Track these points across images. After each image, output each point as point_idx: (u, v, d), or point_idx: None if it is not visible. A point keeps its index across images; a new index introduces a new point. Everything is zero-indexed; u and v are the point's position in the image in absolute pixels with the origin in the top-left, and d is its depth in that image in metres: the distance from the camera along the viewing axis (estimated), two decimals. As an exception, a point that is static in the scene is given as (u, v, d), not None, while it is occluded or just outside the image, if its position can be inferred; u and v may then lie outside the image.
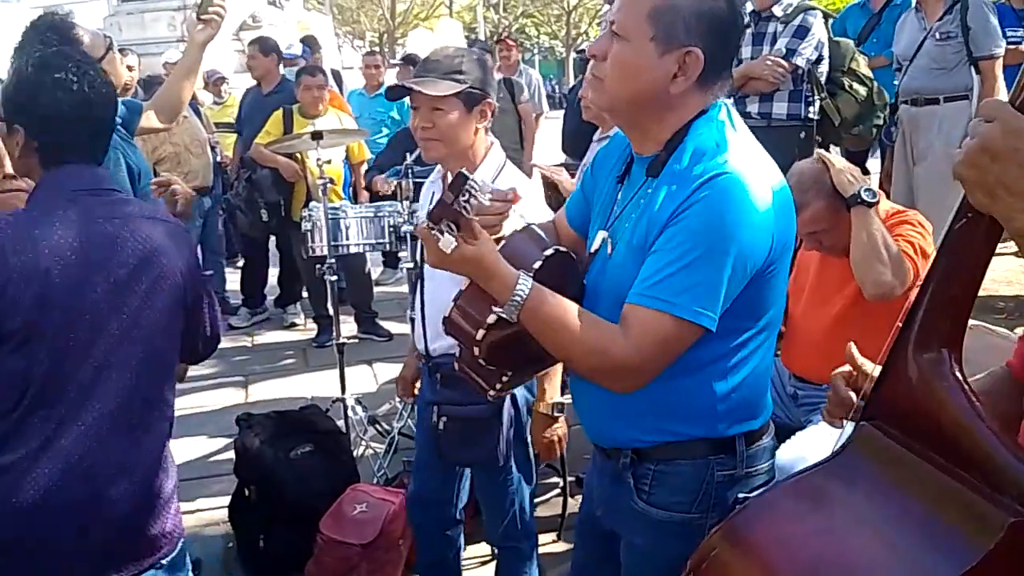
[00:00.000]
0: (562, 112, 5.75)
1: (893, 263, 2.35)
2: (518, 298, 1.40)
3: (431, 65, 2.18)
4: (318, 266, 3.92)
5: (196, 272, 1.83)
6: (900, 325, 1.15)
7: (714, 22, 1.43)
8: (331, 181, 4.44)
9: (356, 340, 5.37)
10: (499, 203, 1.50)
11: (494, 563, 2.70)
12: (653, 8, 1.42)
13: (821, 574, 1.12)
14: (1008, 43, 4.66)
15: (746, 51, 4.05)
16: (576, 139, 4.54)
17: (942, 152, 4.43)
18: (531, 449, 2.40)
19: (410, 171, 3.90)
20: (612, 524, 1.70)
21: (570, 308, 1.44)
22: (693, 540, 1.36)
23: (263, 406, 3.93)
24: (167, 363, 1.78)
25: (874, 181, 3.79)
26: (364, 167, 5.85)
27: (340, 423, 3.56)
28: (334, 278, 3.88)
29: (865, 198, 2.40)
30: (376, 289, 5.96)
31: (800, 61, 3.98)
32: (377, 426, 3.86)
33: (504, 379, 1.57)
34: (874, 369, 1.24)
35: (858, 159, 5.00)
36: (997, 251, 1.13)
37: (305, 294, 5.90)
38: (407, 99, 2.23)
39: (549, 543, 3.09)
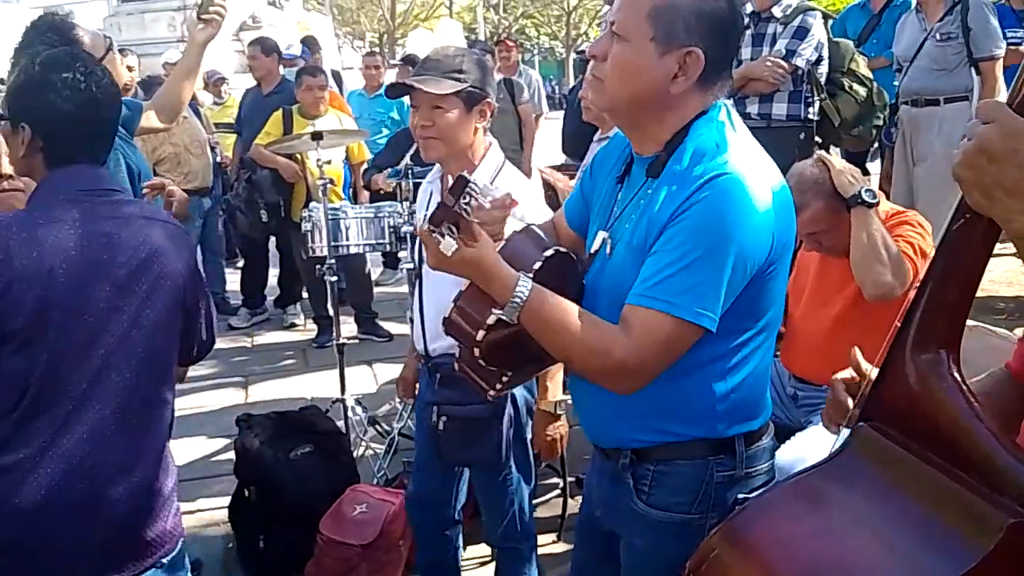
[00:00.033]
0: (562, 113, 5.75)
1: (893, 264, 2.35)
2: (518, 300, 1.40)
3: (431, 64, 2.18)
4: (318, 267, 3.92)
5: (196, 273, 1.83)
6: (898, 325, 1.15)
7: (715, 22, 1.43)
8: (331, 182, 4.44)
9: (356, 341, 5.37)
10: (497, 211, 1.50)
11: (494, 564, 2.70)
12: (653, 8, 1.42)
13: (820, 575, 1.13)
14: (1008, 44, 4.66)
15: (746, 52, 4.05)
16: (576, 140, 4.54)
17: (942, 153, 4.43)
18: (531, 449, 2.40)
19: (410, 172, 3.90)
20: (612, 525, 1.70)
21: (570, 309, 1.44)
22: (693, 541, 1.36)
23: (263, 407, 3.93)
24: (166, 363, 1.78)
25: (874, 182, 3.78)
26: (363, 167, 5.86)
27: (340, 424, 3.56)
28: (334, 279, 3.88)
29: (866, 199, 2.40)
30: (376, 290, 5.96)
31: (800, 62, 3.98)
32: (377, 427, 3.86)
33: (504, 379, 1.57)
34: (871, 371, 1.24)
35: (858, 160, 5.00)
36: (997, 252, 1.13)
37: (305, 295, 5.89)
38: (407, 100, 2.23)
39: (549, 544, 3.09)
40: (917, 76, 4.63)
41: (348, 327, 5.29)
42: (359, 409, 3.81)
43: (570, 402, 1.88)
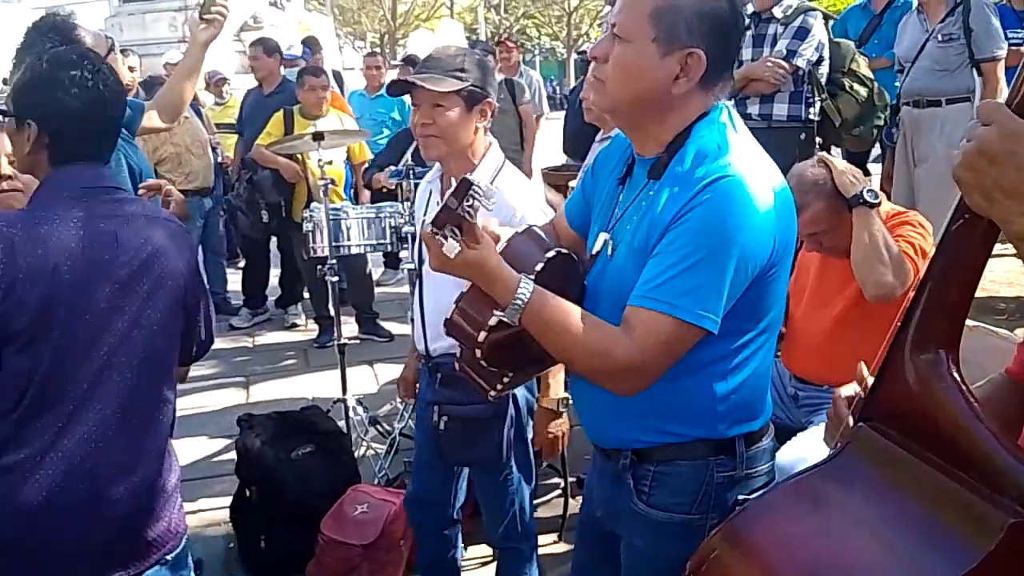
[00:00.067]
0: (563, 113, 5.74)
1: (894, 264, 2.35)
2: (520, 302, 1.40)
3: (433, 63, 2.18)
4: (319, 267, 3.92)
5: (196, 273, 1.84)
6: (898, 326, 1.15)
7: (716, 22, 1.43)
8: (332, 182, 4.44)
9: (357, 341, 5.37)
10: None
11: (494, 564, 2.70)
12: (655, 9, 1.42)
13: (820, 575, 1.13)
14: (1009, 44, 4.67)
15: (746, 53, 4.05)
16: (577, 141, 4.54)
17: (943, 154, 4.43)
18: (531, 449, 2.40)
19: (411, 172, 3.90)
20: (612, 525, 1.70)
21: (572, 311, 1.44)
22: (693, 541, 1.36)
23: (264, 407, 3.93)
24: (168, 363, 1.79)
25: (875, 182, 3.78)
26: (364, 167, 5.86)
27: (341, 424, 3.56)
28: (335, 279, 3.88)
29: (868, 199, 2.41)
30: (377, 290, 5.96)
31: (800, 62, 3.98)
32: (378, 427, 3.87)
33: (505, 380, 1.57)
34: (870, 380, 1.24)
35: (859, 160, 5.00)
36: (997, 252, 1.13)
37: (306, 295, 5.90)
38: (408, 99, 2.23)
39: (550, 544, 3.09)
40: (919, 77, 4.63)
41: (349, 327, 5.29)
42: (360, 409, 3.81)
43: (571, 401, 1.88)
